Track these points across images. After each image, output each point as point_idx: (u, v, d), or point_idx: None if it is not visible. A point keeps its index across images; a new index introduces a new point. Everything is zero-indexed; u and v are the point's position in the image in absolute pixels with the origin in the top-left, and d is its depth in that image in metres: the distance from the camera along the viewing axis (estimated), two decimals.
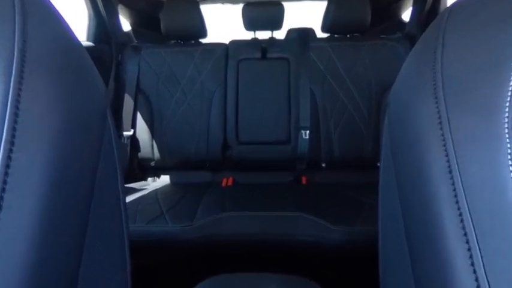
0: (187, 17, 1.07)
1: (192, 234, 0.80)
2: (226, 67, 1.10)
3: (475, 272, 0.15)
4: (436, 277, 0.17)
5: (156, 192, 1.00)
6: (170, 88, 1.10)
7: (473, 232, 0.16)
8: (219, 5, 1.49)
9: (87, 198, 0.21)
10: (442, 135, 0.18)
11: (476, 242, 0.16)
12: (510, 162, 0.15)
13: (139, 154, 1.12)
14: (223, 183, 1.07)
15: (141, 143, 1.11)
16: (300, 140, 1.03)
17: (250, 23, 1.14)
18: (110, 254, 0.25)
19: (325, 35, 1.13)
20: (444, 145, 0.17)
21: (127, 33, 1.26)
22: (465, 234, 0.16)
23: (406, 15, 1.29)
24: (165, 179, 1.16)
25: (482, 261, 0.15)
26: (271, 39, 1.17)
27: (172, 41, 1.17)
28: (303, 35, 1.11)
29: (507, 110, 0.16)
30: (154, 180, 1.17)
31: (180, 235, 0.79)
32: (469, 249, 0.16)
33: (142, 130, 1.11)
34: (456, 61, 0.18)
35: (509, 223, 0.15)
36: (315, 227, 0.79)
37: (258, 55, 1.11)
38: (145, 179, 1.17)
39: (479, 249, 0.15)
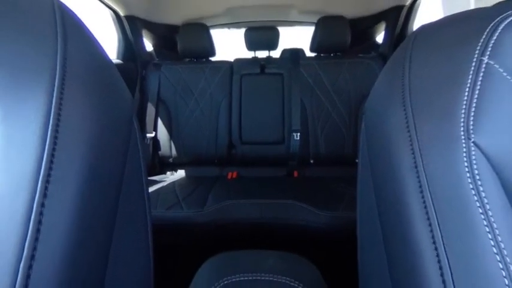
0: (199, 39, 1.14)
1: (203, 218, 0.82)
2: (231, 80, 1.15)
3: (436, 249, 0.16)
4: (404, 254, 0.18)
5: (173, 184, 1.03)
6: (185, 98, 1.15)
7: (435, 217, 0.16)
8: (225, 30, 1.57)
9: (117, 189, 0.22)
10: (409, 137, 0.18)
11: (437, 225, 0.16)
12: (465, 159, 0.16)
13: (159, 152, 1.16)
14: (229, 177, 1.10)
15: (161, 143, 1.16)
16: (292, 141, 1.07)
17: (251, 45, 1.22)
18: (136, 236, 0.25)
19: (313, 54, 1.19)
20: (411, 145, 0.18)
21: (150, 53, 1.32)
22: (428, 219, 0.16)
23: (379, 38, 1.35)
24: (181, 173, 1.20)
25: (443, 241, 0.16)
26: (269, 57, 1.24)
27: (187, 59, 1.23)
28: (294, 54, 1.17)
29: (463, 116, 0.16)
30: (172, 174, 1.20)
31: (193, 219, 0.82)
32: (431, 231, 0.16)
33: (162, 133, 1.16)
34: (421, 75, 0.19)
35: (465, 209, 0.15)
36: (305, 212, 0.81)
37: (258, 71, 1.16)
38: (164, 173, 1.20)
39: (440, 231, 0.16)
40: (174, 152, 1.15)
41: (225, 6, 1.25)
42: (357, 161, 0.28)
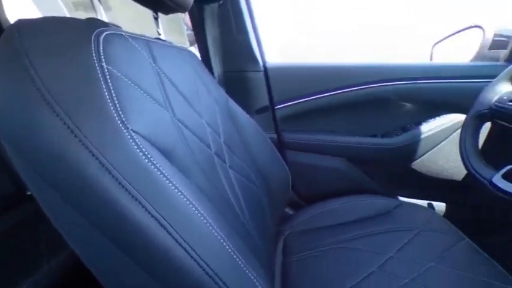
0: None
1: None
2: None
3: (121, 184, 0.20)
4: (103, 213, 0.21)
5: None
6: None
7: (106, 161, 0.20)
8: None
9: None
10: (54, 111, 0.19)
11: (105, 158, 0.20)
12: (131, 142, 0.21)
13: None
14: None
15: None
16: None
17: None
18: None
19: None
20: (58, 115, 0.20)
21: None
22: (100, 163, 0.20)
23: None
24: None
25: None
26: None
27: None
28: None
29: (113, 112, 0.21)
30: None
31: None
32: (100, 162, 0.20)
33: None
34: (55, 77, 0.21)
35: (128, 157, 0.21)
36: None
37: None
38: None
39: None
40: None
41: None
42: None
